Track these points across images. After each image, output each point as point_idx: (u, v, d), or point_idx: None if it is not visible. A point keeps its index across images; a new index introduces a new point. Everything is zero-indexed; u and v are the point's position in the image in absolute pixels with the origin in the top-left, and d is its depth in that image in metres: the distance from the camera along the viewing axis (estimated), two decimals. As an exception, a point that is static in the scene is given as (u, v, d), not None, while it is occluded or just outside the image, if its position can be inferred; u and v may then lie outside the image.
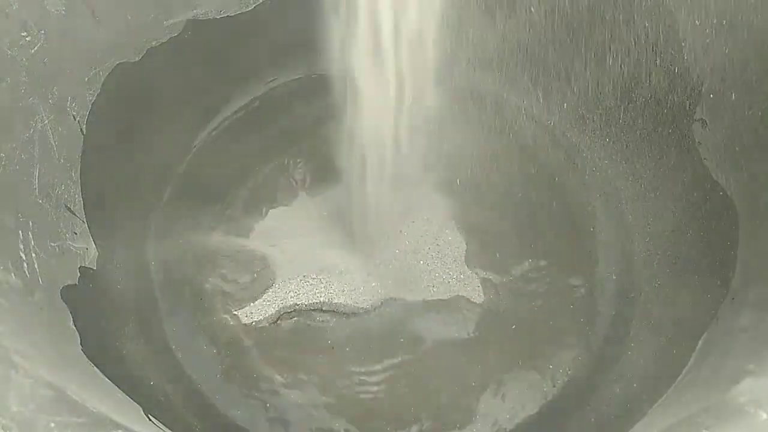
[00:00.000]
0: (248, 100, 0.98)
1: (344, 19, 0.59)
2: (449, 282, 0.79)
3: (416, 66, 0.62)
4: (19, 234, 0.62)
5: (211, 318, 0.79)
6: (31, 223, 0.65)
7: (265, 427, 0.72)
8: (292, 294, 0.78)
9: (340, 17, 0.60)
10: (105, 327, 0.73)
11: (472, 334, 0.76)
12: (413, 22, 0.58)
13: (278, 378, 0.74)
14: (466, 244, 0.81)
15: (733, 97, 0.73)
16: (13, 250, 0.60)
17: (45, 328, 0.58)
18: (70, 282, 0.69)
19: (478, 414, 0.72)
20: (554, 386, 0.74)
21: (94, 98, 0.76)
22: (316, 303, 0.77)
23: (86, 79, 0.75)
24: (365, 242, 0.80)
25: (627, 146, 0.91)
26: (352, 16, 0.57)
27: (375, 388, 0.73)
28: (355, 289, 0.77)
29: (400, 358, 0.74)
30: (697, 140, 0.80)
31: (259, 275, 0.81)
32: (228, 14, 0.88)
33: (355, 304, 0.77)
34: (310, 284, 0.78)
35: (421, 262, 0.80)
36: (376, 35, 0.58)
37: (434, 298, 0.78)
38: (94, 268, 0.76)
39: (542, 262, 0.81)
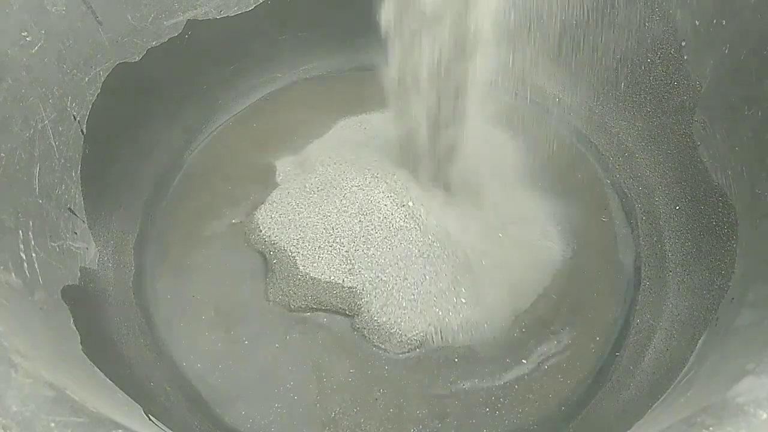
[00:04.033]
0: (249, 100, 0.98)
1: None
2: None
3: None
4: (19, 234, 0.62)
5: (212, 317, 0.79)
6: (31, 223, 0.65)
7: (266, 427, 0.72)
8: (293, 281, 0.78)
9: None
10: (105, 327, 0.73)
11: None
12: None
13: (282, 377, 0.74)
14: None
15: (733, 97, 0.73)
16: (13, 250, 0.60)
17: (45, 328, 0.58)
18: (70, 282, 0.69)
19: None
20: (554, 387, 0.74)
21: (94, 98, 0.76)
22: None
23: (86, 79, 0.75)
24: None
25: (627, 146, 0.91)
26: None
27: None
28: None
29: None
30: (697, 140, 0.80)
31: (259, 273, 0.81)
32: (228, 14, 0.88)
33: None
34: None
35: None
36: None
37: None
38: (94, 268, 0.76)
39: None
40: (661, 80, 0.85)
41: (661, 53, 0.84)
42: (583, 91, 0.96)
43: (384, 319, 0.75)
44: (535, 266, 0.81)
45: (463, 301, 0.76)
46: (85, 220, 0.76)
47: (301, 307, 0.78)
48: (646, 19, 0.84)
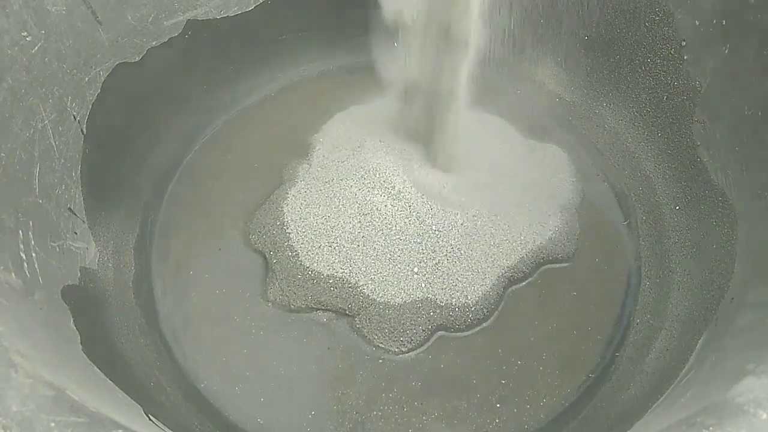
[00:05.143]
0: (249, 100, 0.98)
1: None
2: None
3: None
4: (19, 234, 0.62)
5: (212, 317, 0.79)
6: (31, 223, 0.65)
7: (267, 427, 0.72)
8: (296, 289, 0.78)
9: None
10: (105, 327, 0.73)
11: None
12: None
13: (282, 377, 0.74)
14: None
15: (733, 97, 0.73)
16: (13, 250, 0.60)
17: (45, 328, 0.58)
18: (70, 282, 0.69)
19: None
20: (554, 387, 0.74)
21: (94, 98, 0.76)
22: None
23: (86, 79, 0.75)
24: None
25: (627, 146, 0.91)
26: None
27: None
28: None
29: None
30: (697, 140, 0.80)
31: (259, 273, 0.81)
32: (228, 14, 0.88)
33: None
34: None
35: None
36: None
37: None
38: (94, 268, 0.76)
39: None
40: (661, 80, 0.85)
41: (661, 53, 0.84)
42: (583, 90, 0.96)
43: (385, 319, 0.75)
44: (538, 259, 0.81)
45: (468, 299, 0.76)
46: (85, 220, 0.76)
47: (301, 307, 0.78)
48: (646, 19, 0.84)
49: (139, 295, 0.80)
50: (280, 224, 0.81)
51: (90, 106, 0.76)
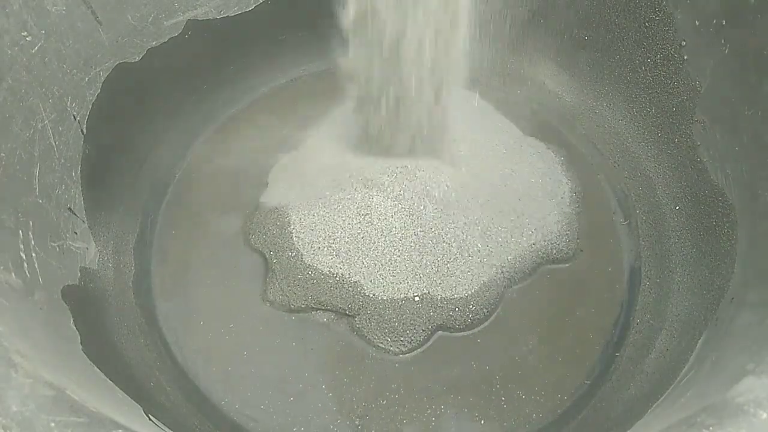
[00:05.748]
0: (249, 100, 0.98)
1: None
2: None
3: None
4: (19, 234, 0.62)
5: (212, 317, 0.79)
6: (31, 223, 0.65)
7: (267, 427, 0.72)
8: (288, 292, 0.78)
9: None
10: (105, 327, 0.73)
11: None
12: None
13: (282, 377, 0.74)
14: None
15: (733, 97, 0.73)
16: (13, 250, 0.60)
17: (45, 328, 0.58)
18: (70, 282, 0.69)
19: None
20: (554, 387, 0.74)
21: (94, 98, 0.76)
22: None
23: (86, 79, 0.75)
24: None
25: (627, 146, 0.91)
26: None
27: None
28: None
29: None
30: (697, 140, 0.80)
31: (259, 273, 0.81)
32: (228, 14, 0.88)
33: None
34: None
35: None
36: None
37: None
38: (95, 268, 0.76)
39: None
40: (661, 80, 0.85)
41: (661, 53, 0.84)
42: (583, 90, 0.96)
43: (385, 319, 0.75)
44: (538, 259, 0.81)
45: (468, 299, 0.76)
46: (85, 220, 0.76)
47: (301, 307, 0.78)
48: (646, 19, 0.84)
49: (139, 295, 0.80)
50: (280, 224, 0.81)
51: (90, 106, 0.76)
